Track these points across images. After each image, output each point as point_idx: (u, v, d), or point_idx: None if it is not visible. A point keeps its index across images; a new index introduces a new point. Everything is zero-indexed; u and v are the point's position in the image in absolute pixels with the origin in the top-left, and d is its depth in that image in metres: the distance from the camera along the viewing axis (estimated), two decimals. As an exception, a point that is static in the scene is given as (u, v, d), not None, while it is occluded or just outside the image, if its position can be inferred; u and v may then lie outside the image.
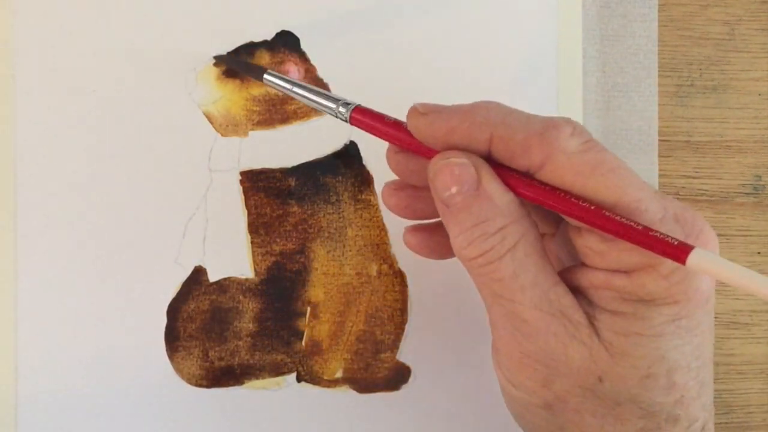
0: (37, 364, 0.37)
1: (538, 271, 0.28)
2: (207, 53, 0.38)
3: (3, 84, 0.38)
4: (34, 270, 0.38)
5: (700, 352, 0.28)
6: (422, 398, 0.39)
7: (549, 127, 0.27)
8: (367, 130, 0.32)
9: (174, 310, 0.38)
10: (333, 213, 0.39)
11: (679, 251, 0.25)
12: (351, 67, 0.39)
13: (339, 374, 0.39)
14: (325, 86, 0.39)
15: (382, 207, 0.39)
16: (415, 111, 0.30)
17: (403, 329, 0.39)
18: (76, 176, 0.38)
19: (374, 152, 0.39)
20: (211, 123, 0.38)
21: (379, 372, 0.39)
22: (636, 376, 0.27)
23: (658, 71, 0.41)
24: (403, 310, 0.39)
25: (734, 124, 0.42)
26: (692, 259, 0.25)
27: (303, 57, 0.39)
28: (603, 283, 0.28)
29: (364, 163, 0.39)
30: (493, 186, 0.28)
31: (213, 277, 0.38)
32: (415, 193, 0.32)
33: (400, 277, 0.39)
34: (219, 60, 0.38)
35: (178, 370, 0.38)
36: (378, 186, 0.39)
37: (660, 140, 0.41)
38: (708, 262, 0.25)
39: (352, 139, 0.39)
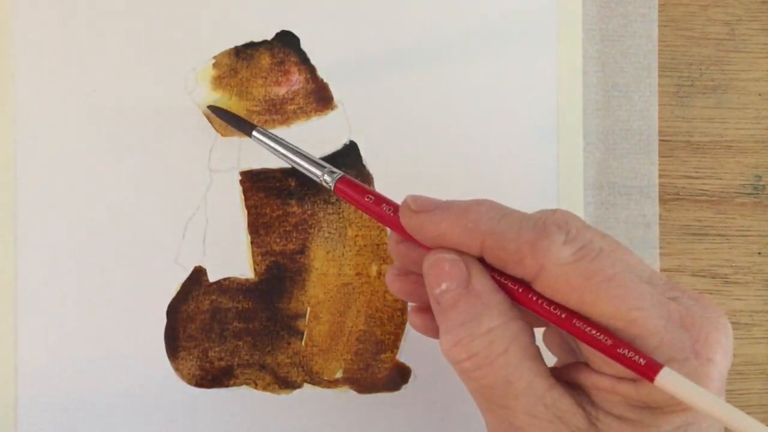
0: (37, 364, 0.37)
1: (532, 376, 0.26)
2: (207, 53, 0.38)
3: (3, 84, 0.38)
4: (34, 270, 0.38)
5: None
6: (422, 398, 0.39)
7: (541, 236, 0.26)
8: (351, 203, 0.32)
9: (174, 310, 0.38)
10: (333, 213, 0.39)
11: (647, 370, 0.24)
12: (351, 67, 0.39)
13: (339, 374, 0.39)
14: (325, 86, 0.39)
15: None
16: (407, 208, 0.29)
17: (403, 329, 0.39)
18: (76, 176, 0.38)
19: (374, 152, 0.39)
20: (211, 123, 0.38)
21: (379, 372, 0.39)
22: None
23: (658, 71, 0.41)
24: (403, 310, 0.39)
25: (734, 124, 0.42)
26: (660, 380, 0.24)
27: (303, 57, 0.39)
28: (608, 387, 0.26)
29: (364, 163, 0.39)
30: (483, 284, 0.27)
31: (213, 277, 0.38)
32: (418, 279, 0.31)
33: (400, 277, 0.39)
34: (211, 111, 0.38)
35: (178, 370, 0.38)
36: (378, 186, 0.39)
37: (660, 140, 0.41)
38: (676, 384, 0.24)
39: (352, 138, 0.39)
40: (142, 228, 0.38)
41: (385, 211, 0.30)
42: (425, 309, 0.31)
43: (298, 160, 0.34)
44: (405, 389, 0.39)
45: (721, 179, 0.42)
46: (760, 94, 0.42)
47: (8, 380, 0.37)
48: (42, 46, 0.38)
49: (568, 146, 0.40)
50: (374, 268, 0.39)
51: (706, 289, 0.42)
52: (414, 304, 0.32)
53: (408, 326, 0.39)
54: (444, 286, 0.27)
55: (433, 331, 0.31)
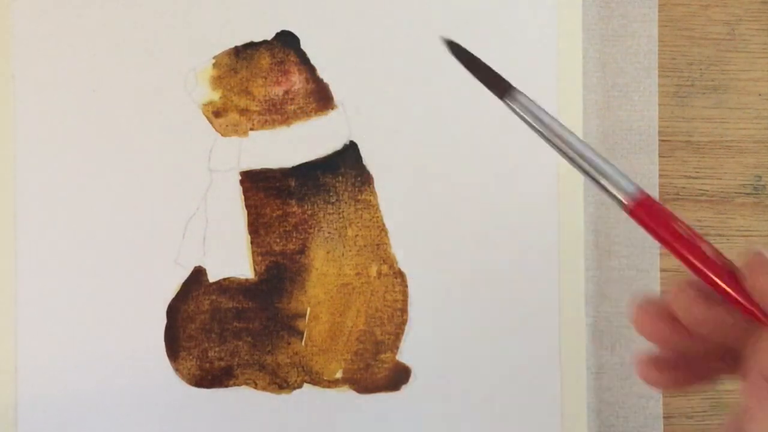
0: (37, 365, 0.37)
1: None
2: (207, 53, 0.38)
3: (3, 84, 0.38)
4: (34, 270, 0.38)
5: None
6: (422, 398, 0.39)
7: None
8: (653, 236, 0.24)
9: (174, 310, 0.38)
10: (333, 213, 0.39)
11: None
12: (351, 67, 0.39)
13: (339, 374, 0.39)
14: (325, 86, 0.39)
15: (383, 207, 0.39)
16: (762, 259, 0.22)
17: (403, 329, 0.39)
18: (76, 176, 0.38)
19: (374, 152, 0.39)
20: (211, 123, 0.38)
21: (379, 372, 0.39)
22: None
23: (658, 71, 0.41)
24: (403, 310, 0.39)
25: (734, 124, 0.42)
26: None
27: (303, 57, 0.39)
28: None
29: (364, 163, 0.39)
30: None
31: (213, 277, 0.38)
32: (678, 327, 0.24)
33: (400, 277, 0.39)
34: (455, 51, 0.29)
35: (178, 370, 0.38)
36: (378, 186, 0.39)
37: (660, 140, 0.41)
38: None
39: (352, 139, 0.39)
40: (142, 228, 0.38)
41: (703, 253, 0.23)
42: (667, 363, 0.25)
43: (566, 135, 0.24)
44: (405, 389, 0.39)
45: (721, 179, 0.42)
46: (760, 94, 0.42)
47: (8, 380, 0.37)
48: (42, 47, 0.38)
49: (568, 146, 0.40)
50: (374, 268, 0.39)
51: (706, 289, 0.42)
52: (650, 356, 0.25)
53: (408, 326, 0.39)
54: None
55: (673, 383, 0.26)
